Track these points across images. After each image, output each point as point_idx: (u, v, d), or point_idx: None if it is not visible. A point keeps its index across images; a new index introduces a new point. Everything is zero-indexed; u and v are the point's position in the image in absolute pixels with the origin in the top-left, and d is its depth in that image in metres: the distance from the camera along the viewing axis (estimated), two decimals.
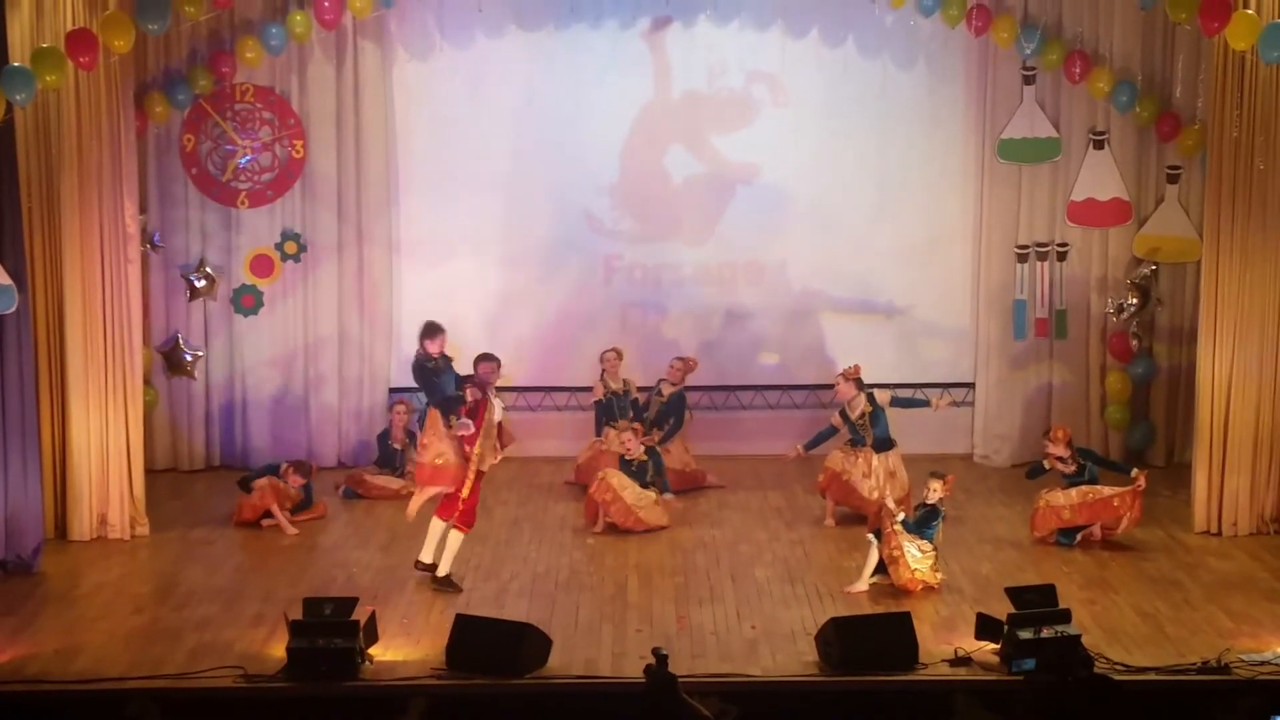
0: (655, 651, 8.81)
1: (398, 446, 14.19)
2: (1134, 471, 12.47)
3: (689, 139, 15.28)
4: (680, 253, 15.40)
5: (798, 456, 13.27)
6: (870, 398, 13.13)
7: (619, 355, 14.37)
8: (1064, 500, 12.46)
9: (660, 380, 14.44)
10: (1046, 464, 12.66)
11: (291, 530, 12.96)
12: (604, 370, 14.32)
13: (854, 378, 13.21)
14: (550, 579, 11.76)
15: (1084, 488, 12.46)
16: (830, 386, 13.65)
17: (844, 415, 13.14)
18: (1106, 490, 12.41)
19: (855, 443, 13.17)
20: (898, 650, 9.89)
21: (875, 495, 12.71)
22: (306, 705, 9.56)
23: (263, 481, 13.16)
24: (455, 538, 11.43)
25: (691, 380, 14.56)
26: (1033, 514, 12.62)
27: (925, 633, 10.19)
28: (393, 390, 15.08)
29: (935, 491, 11.59)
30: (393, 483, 13.94)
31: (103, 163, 12.50)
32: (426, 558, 11.49)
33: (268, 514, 13.03)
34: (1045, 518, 12.51)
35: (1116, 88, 14.57)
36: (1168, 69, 14.71)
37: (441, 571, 11.41)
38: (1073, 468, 12.56)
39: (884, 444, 13.05)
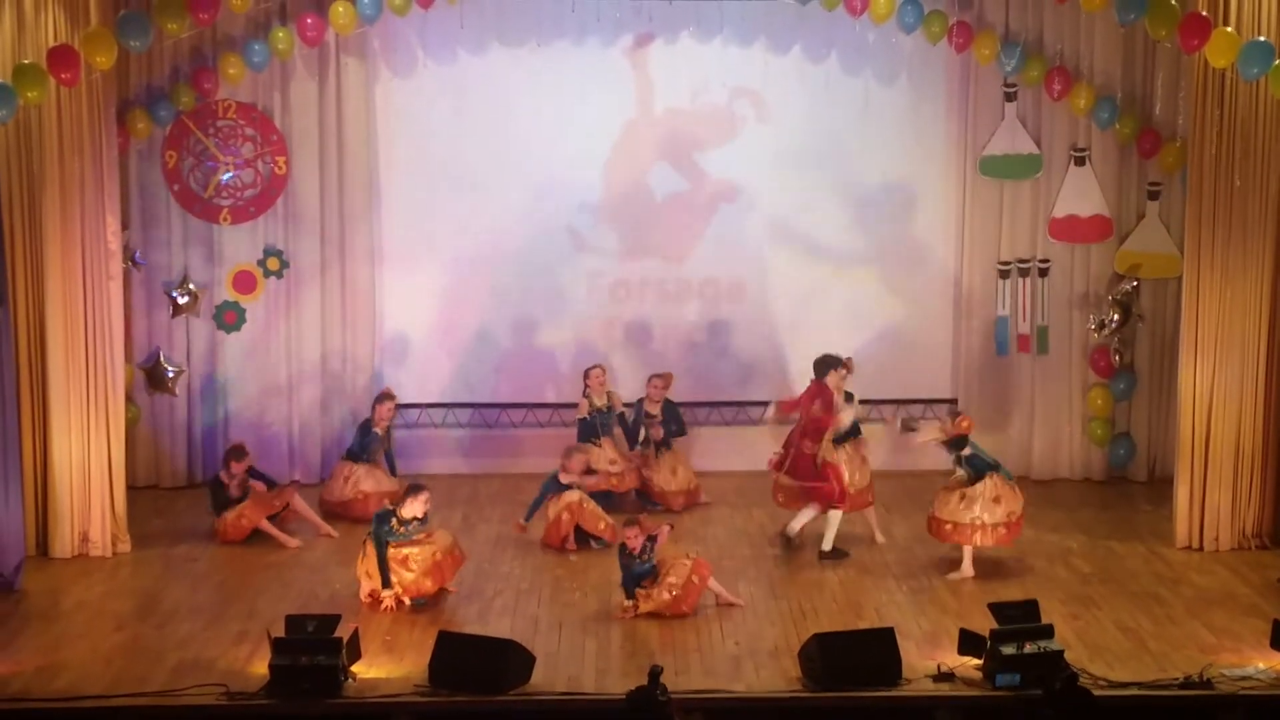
0: (651, 669, 8.79)
1: (379, 432, 14.01)
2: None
3: (672, 155, 15.31)
4: (663, 269, 15.40)
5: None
6: (849, 396, 13.11)
7: (604, 371, 14.36)
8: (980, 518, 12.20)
9: (641, 399, 14.42)
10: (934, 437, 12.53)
11: (293, 543, 12.96)
12: (588, 387, 14.29)
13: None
14: (533, 596, 11.76)
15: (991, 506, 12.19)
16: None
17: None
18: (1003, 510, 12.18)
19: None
20: (881, 666, 9.91)
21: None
22: None
23: (245, 504, 13.14)
24: None
25: (676, 396, 14.54)
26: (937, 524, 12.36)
27: (908, 648, 10.21)
28: None
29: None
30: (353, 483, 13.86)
31: (84, 179, 12.48)
32: None
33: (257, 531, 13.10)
34: (954, 532, 12.25)
35: (1097, 104, 14.62)
36: (1148, 86, 14.77)
37: None
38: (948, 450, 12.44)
39: (853, 431, 13.10)
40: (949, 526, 12.21)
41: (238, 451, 13.41)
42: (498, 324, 15.37)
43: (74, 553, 12.64)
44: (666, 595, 11.18)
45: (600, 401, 14.26)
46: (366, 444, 13.97)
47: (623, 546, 11.47)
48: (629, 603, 11.27)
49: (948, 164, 15.29)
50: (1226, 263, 12.50)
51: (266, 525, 13.06)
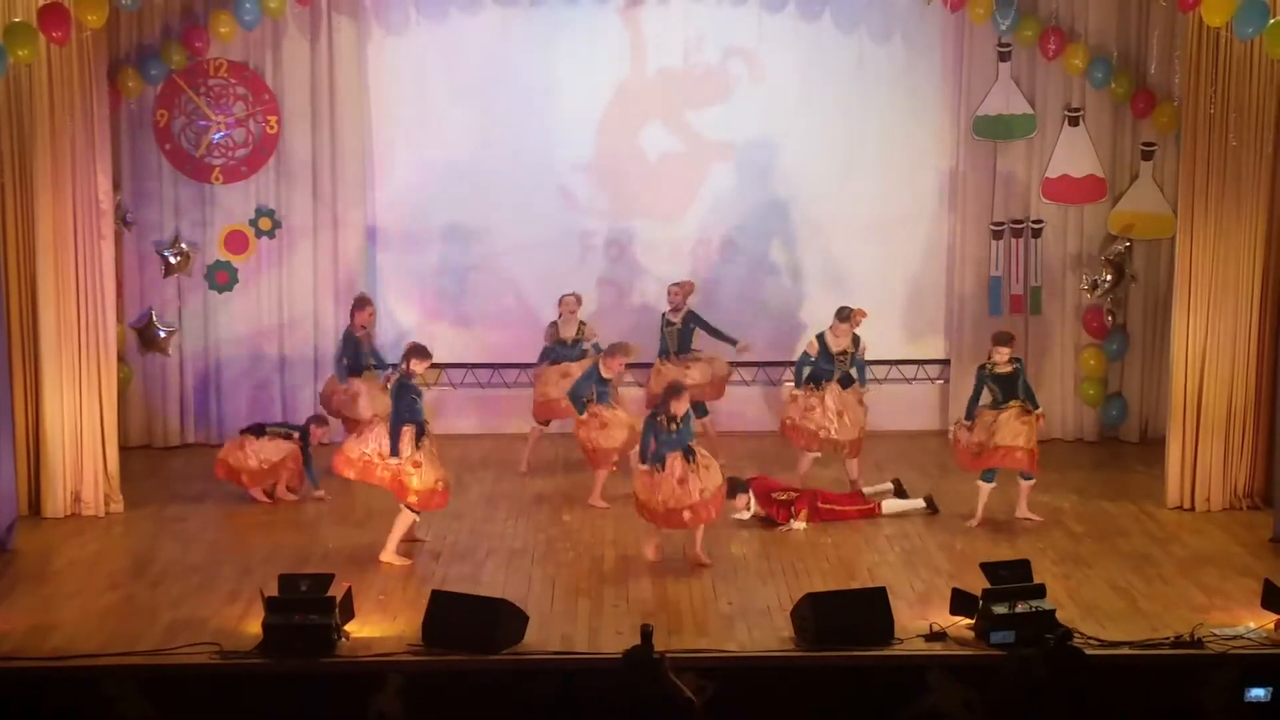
0: (643, 628, 8.82)
1: (360, 337, 13.88)
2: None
3: (665, 115, 15.26)
4: (656, 229, 15.38)
5: (793, 399, 13.32)
6: (855, 339, 13.22)
7: (577, 300, 14.15)
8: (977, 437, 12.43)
9: (663, 313, 14.32)
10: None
11: (318, 493, 13.16)
12: (561, 314, 14.12)
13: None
14: (526, 555, 11.76)
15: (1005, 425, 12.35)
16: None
17: (822, 341, 13.19)
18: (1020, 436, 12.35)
19: (818, 377, 13.16)
20: (873, 625, 9.92)
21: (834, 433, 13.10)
22: (283, 681, 9.57)
23: (231, 444, 13.19)
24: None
25: None
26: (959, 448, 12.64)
27: (901, 608, 10.21)
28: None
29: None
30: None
31: (76, 138, 12.44)
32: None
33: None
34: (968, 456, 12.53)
35: (1092, 64, 14.58)
36: (1143, 45, 14.73)
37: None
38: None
39: (848, 381, 13.18)
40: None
41: (320, 419, 13.52)
42: (490, 283, 15.34)
43: (66, 512, 12.63)
44: (697, 495, 11.29)
45: (568, 332, 14.12)
46: (355, 354, 13.87)
47: (651, 417, 11.58)
48: (657, 467, 11.35)
49: (941, 124, 15.25)
50: (1220, 223, 12.49)
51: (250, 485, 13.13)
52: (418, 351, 11.72)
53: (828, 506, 12.56)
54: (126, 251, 14.72)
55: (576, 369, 13.63)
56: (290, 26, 14.73)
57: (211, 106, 14.76)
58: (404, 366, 11.68)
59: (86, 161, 12.55)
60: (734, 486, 12.31)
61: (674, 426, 11.46)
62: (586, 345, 14.09)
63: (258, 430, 13.22)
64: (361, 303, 14.05)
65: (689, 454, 11.46)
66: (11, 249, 12.38)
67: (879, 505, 12.73)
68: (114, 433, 12.91)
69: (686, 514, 11.37)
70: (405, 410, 11.60)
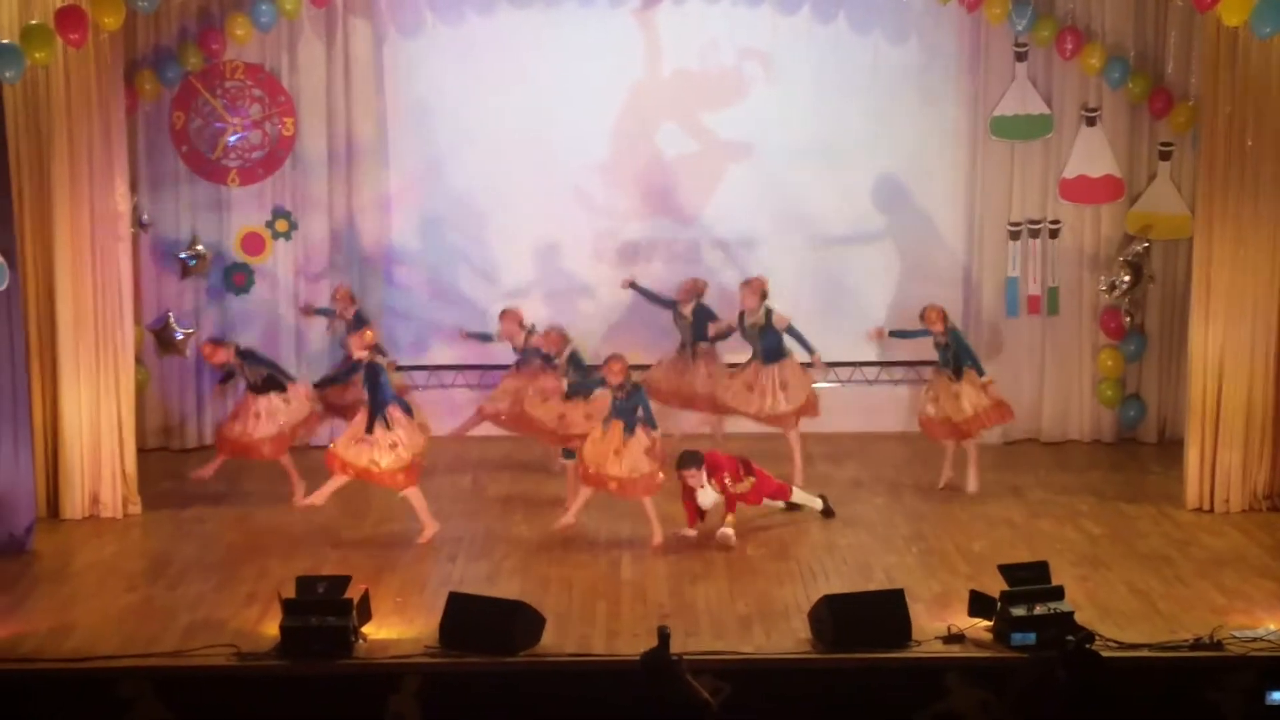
0: (660, 630, 8.81)
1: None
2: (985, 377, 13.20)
3: (680, 117, 15.26)
4: (672, 230, 15.37)
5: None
6: (769, 314, 13.47)
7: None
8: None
9: (675, 301, 14.31)
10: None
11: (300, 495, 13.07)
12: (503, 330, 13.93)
13: (759, 290, 13.55)
14: (543, 557, 11.76)
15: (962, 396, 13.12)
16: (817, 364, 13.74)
17: (740, 319, 13.64)
18: (968, 407, 13.14)
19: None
20: (891, 628, 9.89)
21: (756, 409, 13.61)
22: (300, 683, 9.57)
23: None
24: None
25: None
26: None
27: (918, 610, 10.19)
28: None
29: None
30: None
31: (93, 141, 12.46)
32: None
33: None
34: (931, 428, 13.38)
35: (1109, 64, 14.55)
36: (1160, 45, 14.70)
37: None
38: (944, 341, 13.19)
39: (773, 354, 13.49)
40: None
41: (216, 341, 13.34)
42: (506, 285, 15.34)
43: (84, 514, 12.67)
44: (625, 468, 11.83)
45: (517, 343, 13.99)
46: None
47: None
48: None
49: (958, 124, 15.23)
50: (1238, 223, 12.44)
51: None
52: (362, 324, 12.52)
53: (759, 468, 12.49)
54: (143, 254, 14.75)
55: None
56: (306, 29, 14.76)
57: (228, 109, 14.79)
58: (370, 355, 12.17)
59: (103, 164, 12.57)
60: (688, 459, 12.02)
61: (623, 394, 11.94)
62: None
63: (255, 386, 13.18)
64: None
65: (630, 428, 11.94)
66: (29, 251, 12.40)
67: (791, 487, 12.74)
68: (132, 434, 12.93)
69: (613, 484, 11.91)
70: (379, 392, 11.97)
